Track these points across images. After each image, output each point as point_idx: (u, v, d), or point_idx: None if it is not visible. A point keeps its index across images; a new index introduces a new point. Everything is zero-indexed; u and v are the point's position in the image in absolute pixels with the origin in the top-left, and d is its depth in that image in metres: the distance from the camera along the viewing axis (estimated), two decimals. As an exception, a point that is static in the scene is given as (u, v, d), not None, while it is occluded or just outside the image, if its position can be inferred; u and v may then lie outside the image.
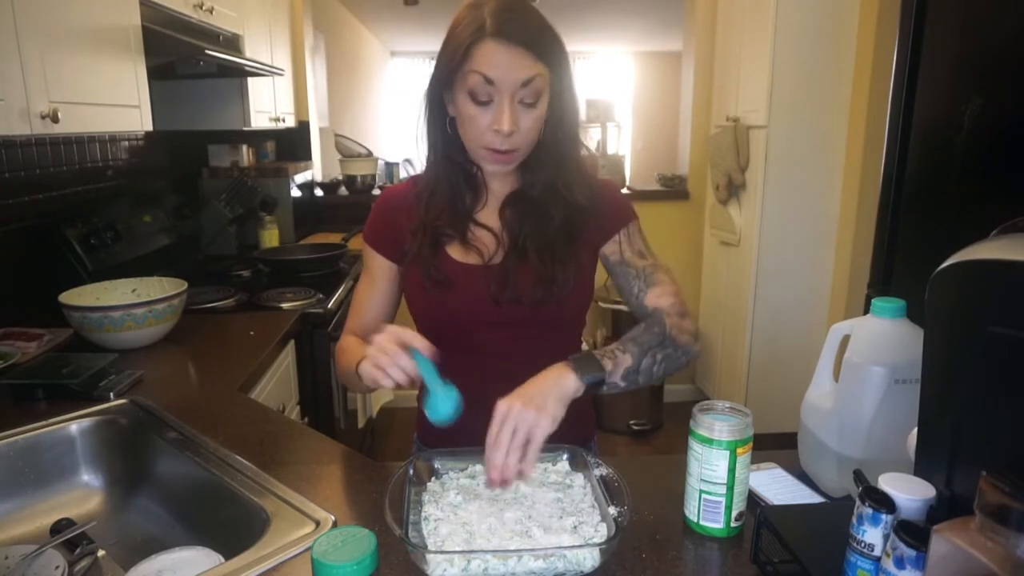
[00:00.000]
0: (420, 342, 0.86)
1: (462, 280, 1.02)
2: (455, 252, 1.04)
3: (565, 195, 1.02)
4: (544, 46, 0.94)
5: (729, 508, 0.82)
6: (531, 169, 1.03)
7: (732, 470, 0.80)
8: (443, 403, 0.86)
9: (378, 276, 1.09)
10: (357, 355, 0.95)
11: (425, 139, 1.05)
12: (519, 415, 0.81)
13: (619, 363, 0.91)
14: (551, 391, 0.84)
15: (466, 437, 0.99)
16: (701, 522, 0.83)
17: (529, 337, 1.03)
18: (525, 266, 1.01)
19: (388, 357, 0.85)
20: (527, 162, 1.03)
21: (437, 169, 1.05)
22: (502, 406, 0.82)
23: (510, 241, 1.04)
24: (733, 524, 0.83)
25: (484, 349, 1.03)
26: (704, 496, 0.82)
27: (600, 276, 1.08)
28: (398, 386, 0.87)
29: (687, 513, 0.85)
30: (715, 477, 0.81)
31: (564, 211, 1.02)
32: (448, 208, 1.04)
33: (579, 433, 1.09)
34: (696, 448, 0.82)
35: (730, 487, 0.81)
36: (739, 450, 0.80)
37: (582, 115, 1.05)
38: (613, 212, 1.08)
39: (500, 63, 0.92)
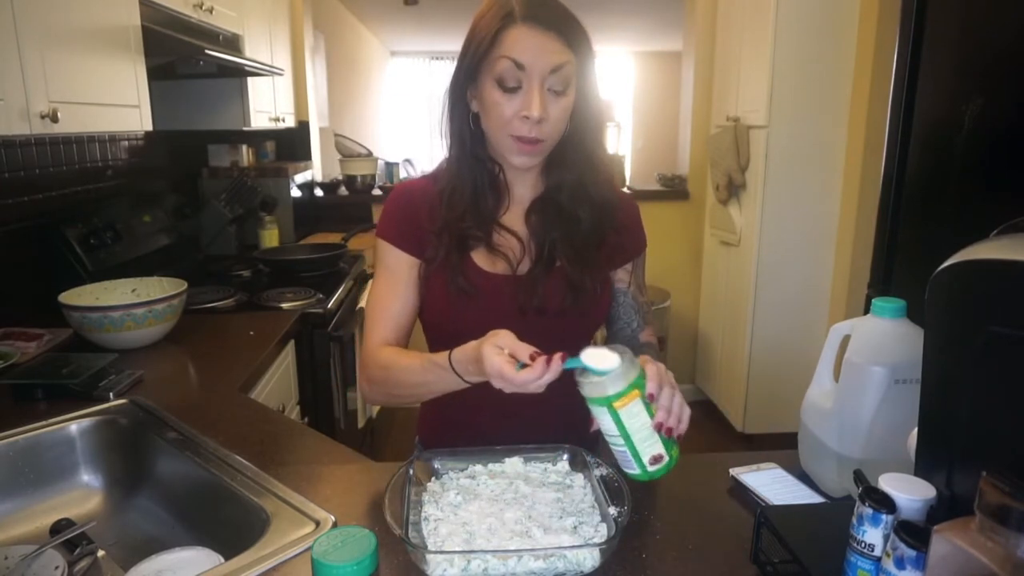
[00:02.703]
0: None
1: (488, 290, 0.99)
2: (481, 260, 1.01)
3: (592, 193, 1.01)
4: (574, 33, 0.93)
5: (637, 455, 0.79)
6: (557, 170, 1.02)
7: (619, 423, 0.78)
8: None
9: (403, 273, 1.03)
10: (426, 360, 0.90)
11: (447, 136, 1.02)
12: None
13: None
14: None
15: (468, 439, 0.98)
16: (623, 469, 0.82)
17: (544, 347, 1.00)
18: (553, 276, 1.00)
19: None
20: (552, 162, 1.02)
21: (460, 166, 1.02)
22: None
23: (537, 249, 1.02)
24: (650, 468, 0.79)
25: None
26: (613, 447, 0.81)
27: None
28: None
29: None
30: (609, 430, 0.79)
31: (591, 211, 1.01)
32: (471, 207, 1.01)
33: (585, 434, 1.09)
34: (588, 406, 0.80)
35: (626, 437, 0.78)
36: (615, 404, 0.77)
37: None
38: (634, 235, 1.08)
39: (531, 47, 0.90)
